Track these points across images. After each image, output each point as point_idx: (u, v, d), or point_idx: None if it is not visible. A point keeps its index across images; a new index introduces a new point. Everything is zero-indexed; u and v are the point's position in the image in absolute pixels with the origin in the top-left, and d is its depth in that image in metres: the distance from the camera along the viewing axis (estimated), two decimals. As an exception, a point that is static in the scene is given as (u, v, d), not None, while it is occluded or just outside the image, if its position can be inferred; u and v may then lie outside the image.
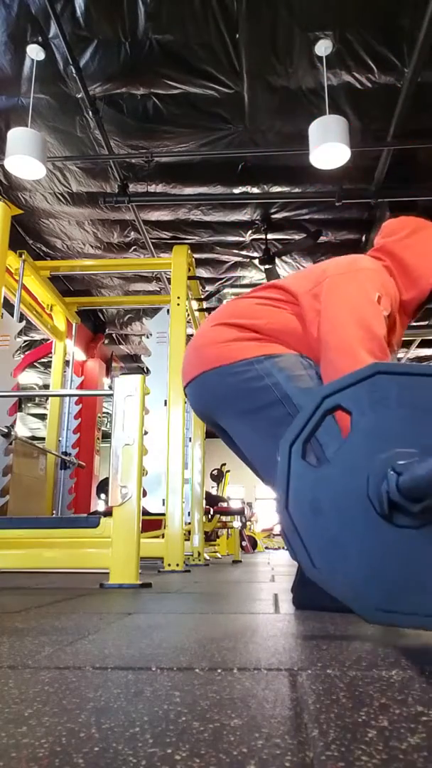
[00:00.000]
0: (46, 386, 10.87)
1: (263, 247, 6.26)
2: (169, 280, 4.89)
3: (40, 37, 3.95)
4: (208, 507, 6.30)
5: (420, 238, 1.57)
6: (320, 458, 1.14)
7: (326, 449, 1.16)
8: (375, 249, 1.62)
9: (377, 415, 0.83)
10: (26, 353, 8.31)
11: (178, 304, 3.70)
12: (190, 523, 4.53)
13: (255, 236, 6.39)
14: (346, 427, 0.89)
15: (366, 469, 0.81)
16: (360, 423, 0.84)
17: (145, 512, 3.37)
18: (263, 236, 6.19)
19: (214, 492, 9.15)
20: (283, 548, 13.85)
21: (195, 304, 4.67)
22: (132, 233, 6.51)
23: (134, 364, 10.48)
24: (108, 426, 12.10)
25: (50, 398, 5.71)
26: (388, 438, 0.82)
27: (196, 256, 6.28)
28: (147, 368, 4.34)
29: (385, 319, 1.41)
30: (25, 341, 9.05)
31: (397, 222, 1.63)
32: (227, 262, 7.04)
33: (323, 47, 3.95)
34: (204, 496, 5.03)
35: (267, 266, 6.15)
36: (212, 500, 7.08)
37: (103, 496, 8.05)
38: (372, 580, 0.79)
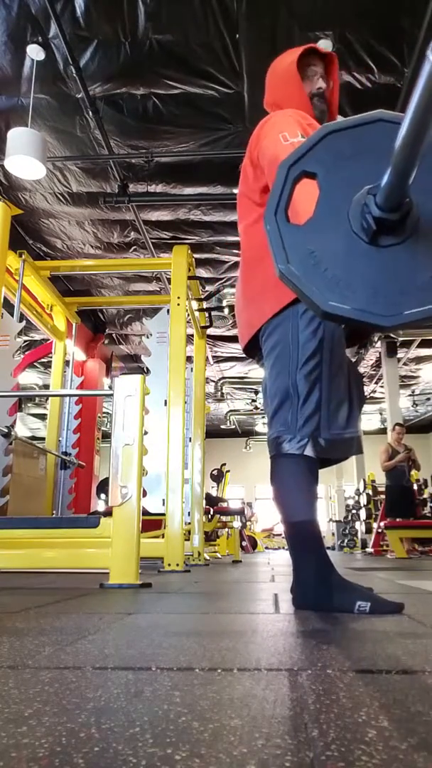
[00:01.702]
0: (46, 386, 10.87)
1: (263, 247, 6.25)
2: (169, 280, 4.89)
3: (40, 37, 3.95)
4: (208, 507, 6.31)
5: (270, 78, 1.80)
6: None
7: None
8: (270, 108, 1.80)
9: (340, 167, 0.94)
10: (26, 353, 8.31)
11: (178, 304, 3.70)
12: (190, 523, 4.52)
13: (255, 236, 6.39)
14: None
15: (345, 210, 0.91)
16: (327, 178, 0.94)
17: (145, 512, 3.37)
18: (263, 236, 6.19)
19: (214, 492, 9.15)
20: (283, 548, 13.85)
21: (195, 304, 4.66)
22: (132, 233, 6.51)
23: (134, 364, 10.49)
24: (108, 426, 12.10)
25: (50, 398, 5.71)
26: (355, 182, 0.92)
27: (196, 256, 6.28)
28: (147, 368, 4.34)
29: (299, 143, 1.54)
30: (25, 341, 9.05)
31: (267, 77, 1.83)
32: (227, 262, 7.04)
33: (323, 47, 3.95)
34: (204, 497, 5.03)
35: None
36: (212, 501, 7.08)
37: (103, 496, 8.05)
38: (376, 297, 0.89)
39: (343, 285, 0.89)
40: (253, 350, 1.75)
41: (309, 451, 1.45)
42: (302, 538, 1.46)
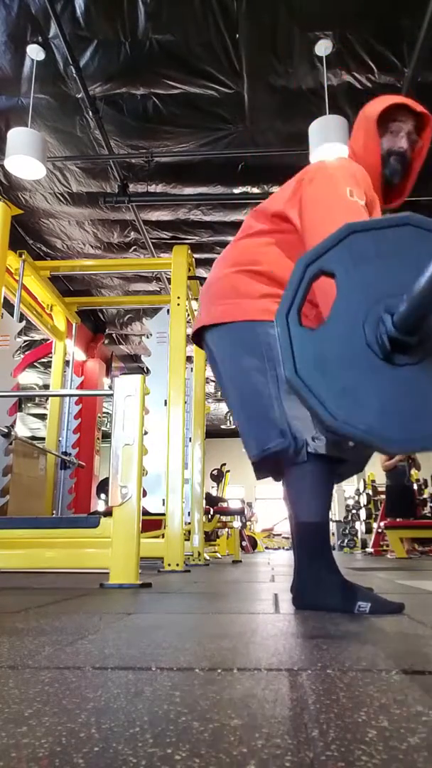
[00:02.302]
0: (46, 386, 10.87)
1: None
2: (169, 280, 4.89)
3: (40, 37, 3.95)
4: (208, 507, 6.31)
5: (357, 126, 1.70)
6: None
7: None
8: (350, 150, 1.72)
9: (360, 270, 0.90)
10: (26, 353, 8.31)
11: (178, 304, 3.70)
12: (190, 523, 4.52)
13: (255, 236, 6.38)
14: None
15: (361, 320, 0.87)
16: (346, 281, 0.90)
17: (145, 512, 3.37)
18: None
19: (214, 492, 9.14)
20: (283, 548, 13.86)
21: (195, 304, 4.66)
22: (132, 233, 6.51)
23: (134, 364, 10.48)
24: (108, 426, 12.10)
25: (50, 398, 5.71)
26: (375, 288, 0.88)
27: (196, 256, 6.28)
28: (147, 368, 4.34)
29: (363, 208, 1.46)
30: (25, 341, 9.05)
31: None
32: (227, 262, 7.03)
33: (323, 47, 3.96)
34: (204, 497, 5.02)
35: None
36: (212, 501, 7.08)
37: (103, 496, 8.05)
38: (385, 417, 0.85)
39: (351, 400, 0.86)
40: (199, 341, 1.72)
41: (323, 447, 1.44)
42: (313, 539, 1.45)
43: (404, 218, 0.91)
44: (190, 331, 4.45)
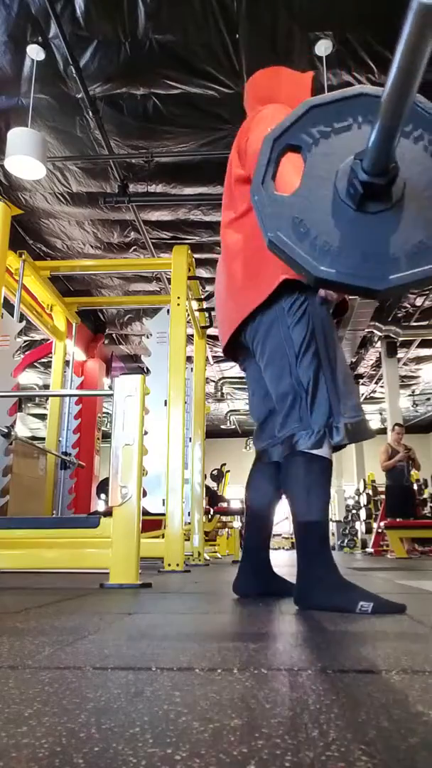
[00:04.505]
0: (46, 386, 10.87)
1: (263, 247, 6.25)
2: (169, 280, 4.89)
3: (40, 37, 3.95)
4: (208, 507, 6.31)
5: (272, 78, 1.80)
6: None
7: None
8: (261, 103, 1.76)
9: (324, 139, 0.95)
10: (26, 353, 8.30)
11: (178, 304, 3.70)
12: (190, 523, 4.52)
13: (255, 236, 6.39)
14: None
15: (332, 180, 0.92)
16: (312, 150, 0.94)
17: (145, 512, 3.37)
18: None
19: (214, 492, 9.14)
20: (283, 548, 13.84)
21: (195, 304, 4.66)
22: (132, 233, 6.51)
23: (134, 364, 10.49)
24: (108, 426, 12.10)
25: (50, 398, 5.71)
26: (339, 153, 0.93)
27: (196, 256, 6.29)
28: (147, 368, 4.34)
29: None
30: (25, 341, 9.05)
31: (258, 77, 1.84)
32: (227, 262, 7.03)
33: (323, 47, 3.96)
34: (205, 494, 5.02)
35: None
36: (214, 498, 7.08)
37: (103, 496, 8.05)
38: (366, 261, 0.89)
39: (334, 251, 0.89)
40: (233, 351, 1.75)
41: (326, 449, 1.45)
42: (313, 538, 1.45)
43: (358, 90, 0.97)
44: (190, 331, 4.46)
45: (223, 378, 12.09)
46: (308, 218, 0.91)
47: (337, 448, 1.53)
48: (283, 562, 5.01)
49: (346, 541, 10.95)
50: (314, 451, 1.45)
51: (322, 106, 0.96)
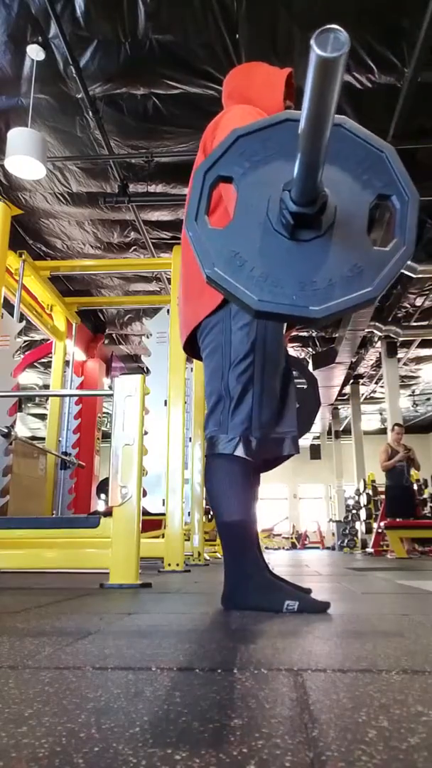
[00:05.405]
0: (46, 386, 10.87)
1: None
2: (169, 280, 4.90)
3: (40, 37, 3.95)
4: (208, 507, 6.30)
5: (247, 75, 1.81)
6: None
7: None
8: (232, 101, 1.77)
9: (254, 168, 0.95)
10: (26, 353, 8.31)
11: (178, 305, 3.70)
12: (189, 523, 4.52)
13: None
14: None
15: (264, 210, 0.92)
16: (243, 180, 0.95)
17: (145, 512, 3.37)
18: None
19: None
20: (283, 548, 13.85)
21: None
22: (132, 233, 6.51)
23: (134, 364, 10.49)
24: (108, 426, 12.10)
25: (50, 398, 5.71)
26: (270, 181, 0.93)
27: (196, 256, 6.28)
28: (147, 368, 4.34)
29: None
30: (25, 341, 9.06)
31: (233, 73, 1.85)
32: (227, 262, 7.03)
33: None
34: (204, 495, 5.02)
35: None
36: None
37: (103, 496, 8.05)
38: (304, 290, 0.90)
39: (271, 282, 0.90)
40: (192, 350, 1.76)
41: (240, 452, 1.46)
42: (234, 538, 1.46)
43: (282, 116, 0.96)
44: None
45: (223, 378, 12.07)
46: (244, 250, 0.91)
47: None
48: (284, 562, 5.01)
49: (346, 541, 10.95)
50: (230, 452, 1.46)
51: (248, 135, 0.96)
